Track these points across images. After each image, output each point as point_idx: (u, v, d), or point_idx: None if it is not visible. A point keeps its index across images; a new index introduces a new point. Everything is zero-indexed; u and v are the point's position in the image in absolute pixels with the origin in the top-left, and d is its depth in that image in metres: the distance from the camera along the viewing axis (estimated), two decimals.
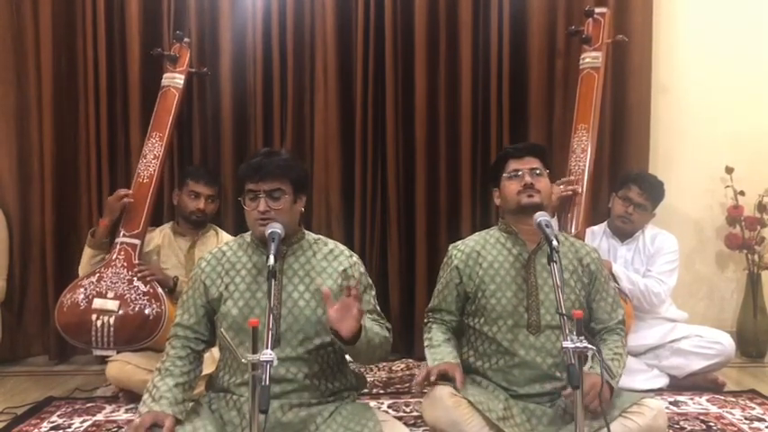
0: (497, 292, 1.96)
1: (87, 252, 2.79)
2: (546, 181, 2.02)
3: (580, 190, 2.84)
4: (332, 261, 1.88)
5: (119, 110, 3.38)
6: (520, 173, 2.00)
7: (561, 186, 2.80)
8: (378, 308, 1.93)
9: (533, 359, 1.92)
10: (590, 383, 1.78)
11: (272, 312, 1.57)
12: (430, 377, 1.85)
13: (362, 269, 1.93)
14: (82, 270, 2.80)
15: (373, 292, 1.93)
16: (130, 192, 2.83)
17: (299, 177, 1.85)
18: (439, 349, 1.95)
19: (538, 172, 2.00)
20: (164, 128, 2.98)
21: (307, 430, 1.75)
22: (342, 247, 1.95)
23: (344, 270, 1.86)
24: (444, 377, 1.85)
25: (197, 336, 1.85)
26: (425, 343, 2.02)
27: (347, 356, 1.88)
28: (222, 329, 1.75)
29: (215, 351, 2.08)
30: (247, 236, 1.92)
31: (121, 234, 2.78)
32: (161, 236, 2.91)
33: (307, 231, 1.94)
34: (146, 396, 1.73)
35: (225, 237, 2.92)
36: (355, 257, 1.93)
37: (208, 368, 2.12)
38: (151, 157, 2.92)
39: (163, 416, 1.66)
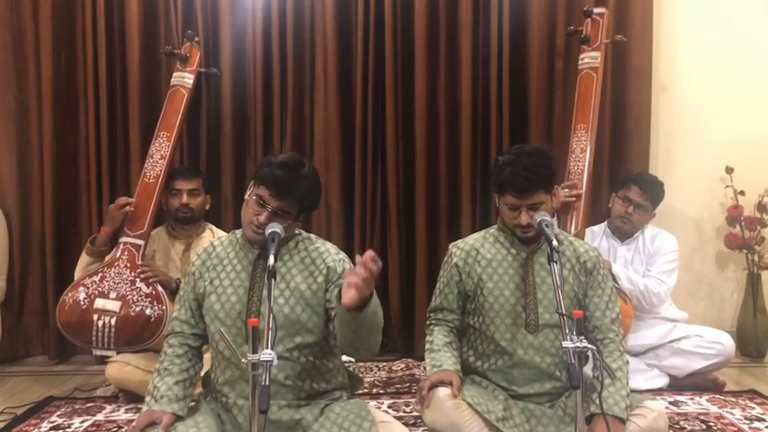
0: (495, 290, 1.96)
1: (84, 259, 2.78)
2: (545, 207, 1.91)
3: (582, 194, 2.84)
4: (315, 259, 1.85)
5: (119, 110, 3.38)
6: (517, 209, 1.91)
7: (565, 191, 2.77)
8: None
9: (532, 358, 1.91)
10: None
11: (261, 310, 1.56)
12: (423, 391, 1.83)
13: (348, 266, 1.86)
14: (78, 276, 2.78)
15: None
16: (132, 200, 2.81)
17: (311, 205, 1.84)
18: (438, 354, 1.94)
19: (536, 207, 1.89)
20: (171, 128, 2.97)
21: (299, 428, 1.75)
22: (329, 245, 1.91)
23: (328, 266, 1.83)
24: (441, 385, 1.83)
25: (194, 331, 1.85)
26: (426, 346, 2.00)
27: (344, 357, 1.84)
28: (221, 329, 1.75)
29: None
30: (238, 232, 1.90)
31: (126, 234, 2.78)
32: (157, 240, 2.89)
33: (300, 230, 1.92)
34: (148, 398, 1.73)
35: (220, 235, 2.90)
36: (342, 255, 1.89)
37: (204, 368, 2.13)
38: (158, 156, 2.91)
39: (160, 414, 1.67)
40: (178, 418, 1.69)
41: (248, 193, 1.82)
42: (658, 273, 2.86)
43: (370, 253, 1.45)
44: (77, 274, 2.79)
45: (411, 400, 2.66)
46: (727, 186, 3.45)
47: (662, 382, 2.85)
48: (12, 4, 3.34)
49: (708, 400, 2.68)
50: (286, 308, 1.78)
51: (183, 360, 1.80)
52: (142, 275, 2.67)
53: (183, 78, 3.07)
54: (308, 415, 1.76)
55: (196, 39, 3.16)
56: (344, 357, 2.19)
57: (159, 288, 2.66)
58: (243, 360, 1.47)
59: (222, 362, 1.81)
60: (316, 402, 1.80)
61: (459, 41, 3.40)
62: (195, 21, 3.36)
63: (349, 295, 1.46)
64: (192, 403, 1.81)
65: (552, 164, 1.97)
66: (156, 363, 1.82)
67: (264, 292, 1.72)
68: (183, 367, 1.79)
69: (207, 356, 2.09)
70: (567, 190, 2.79)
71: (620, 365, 1.88)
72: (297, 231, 1.90)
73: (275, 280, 1.59)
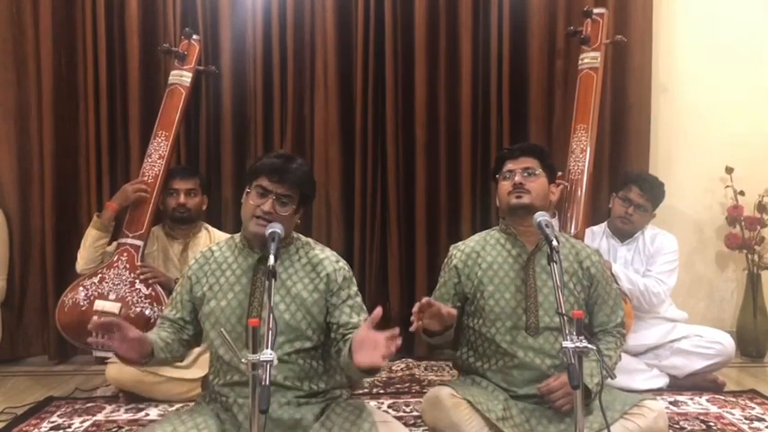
0: (496, 293, 1.96)
1: (92, 234, 2.74)
2: (540, 181, 2.01)
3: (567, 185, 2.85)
4: (316, 265, 1.86)
5: (119, 110, 3.38)
6: (513, 173, 2.01)
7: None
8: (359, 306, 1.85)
9: (532, 360, 1.92)
10: (561, 381, 1.79)
11: (261, 314, 1.56)
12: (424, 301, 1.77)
13: (348, 275, 1.87)
14: (83, 254, 2.75)
15: (358, 299, 1.86)
16: (147, 188, 2.82)
17: (310, 193, 1.87)
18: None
19: (530, 172, 2.00)
20: (170, 127, 2.96)
21: (299, 428, 1.75)
22: (328, 252, 1.92)
23: (327, 274, 1.84)
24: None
25: (181, 334, 1.88)
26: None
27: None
28: (222, 330, 1.75)
29: None
30: (237, 236, 1.92)
31: (125, 235, 2.77)
32: (155, 240, 2.89)
33: (298, 235, 1.94)
34: None
35: (217, 234, 2.91)
36: (342, 263, 1.89)
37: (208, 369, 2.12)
38: (156, 156, 2.90)
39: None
40: (150, 354, 1.72)
41: (246, 190, 1.83)
42: (658, 273, 2.86)
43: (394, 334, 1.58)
44: (83, 253, 2.75)
45: (411, 400, 2.67)
46: (727, 186, 3.45)
47: (662, 382, 2.85)
48: (12, 3, 3.34)
49: (708, 400, 2.68)
50: (287, 314, 1.78)
51: (168, 333, 1.84)
52: (141, 276, 2.67)
53: (181, 77, 3.06)
54: (308, 414, 1.76)
55: (194, 36, 3.14)
56: None
57: (159, 289, 2.67)
58: (243, 361, 1.47)
59: (223, 365, 1.81)
60: (316, 401, 1.81)
61: (460, 41, 3.40)
62: (195, 21, 3.35)
63: (365, 361, 1.54)
64: (190, 404, 1.81)
65: (546, 149, 2.13)
66: None
67: (266, 297, 1.73)
68: (169, 331, 1.84)
69: (205, 357, 2.09)
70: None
71: (610, 354, 1.93)
72: (295, 236, 1.91)
73: (275, 280, 1.60)
